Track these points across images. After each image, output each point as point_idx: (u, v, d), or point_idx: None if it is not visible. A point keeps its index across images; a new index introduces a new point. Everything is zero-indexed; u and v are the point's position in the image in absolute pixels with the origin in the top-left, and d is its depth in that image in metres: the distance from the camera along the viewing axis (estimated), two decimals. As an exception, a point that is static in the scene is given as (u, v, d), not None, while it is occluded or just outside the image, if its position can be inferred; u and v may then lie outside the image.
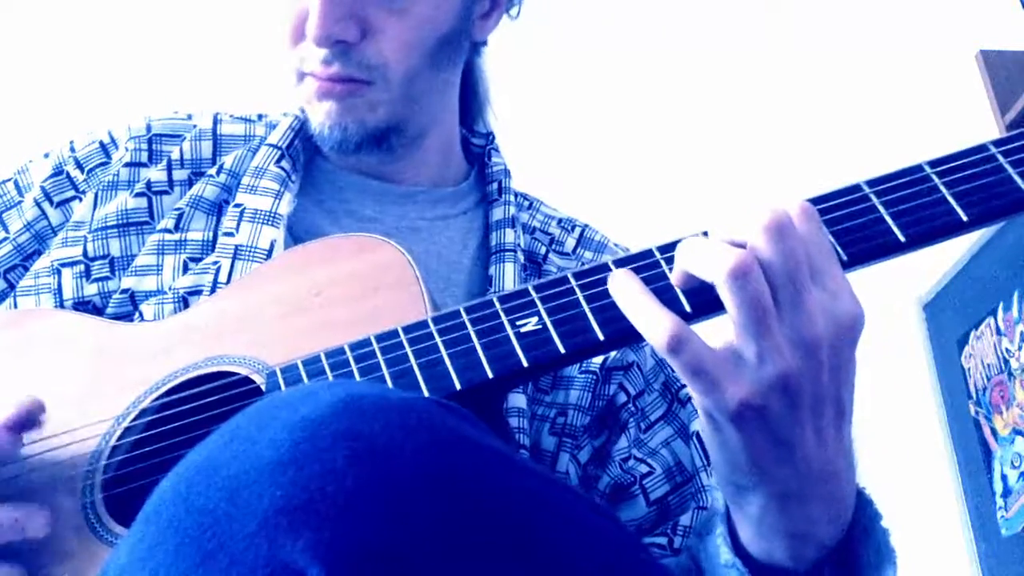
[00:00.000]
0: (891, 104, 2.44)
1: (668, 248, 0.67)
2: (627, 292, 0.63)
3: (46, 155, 0.98)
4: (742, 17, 2.56)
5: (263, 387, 0.72)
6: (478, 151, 1.06)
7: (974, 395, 2.30)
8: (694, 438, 0.93)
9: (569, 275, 0.69)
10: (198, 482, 0.47)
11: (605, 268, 0.68)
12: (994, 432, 2.23)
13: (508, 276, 0.92)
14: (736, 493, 0.65)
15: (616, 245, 1.05)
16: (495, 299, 0.69)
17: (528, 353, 0.66)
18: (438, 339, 0.68)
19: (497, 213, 0.98)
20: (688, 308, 0.64)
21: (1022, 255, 2.19)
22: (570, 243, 1.02)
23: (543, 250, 0.99)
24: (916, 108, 2.40)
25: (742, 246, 0.60)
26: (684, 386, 0.96)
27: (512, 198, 1.00)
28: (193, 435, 0.70)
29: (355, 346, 0.69)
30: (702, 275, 0.61)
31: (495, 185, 1.01)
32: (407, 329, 0.69)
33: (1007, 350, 2.21)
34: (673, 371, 0.97)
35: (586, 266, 0.70)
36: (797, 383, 0.59)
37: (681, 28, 2.61)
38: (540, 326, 0.66)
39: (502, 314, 0.68)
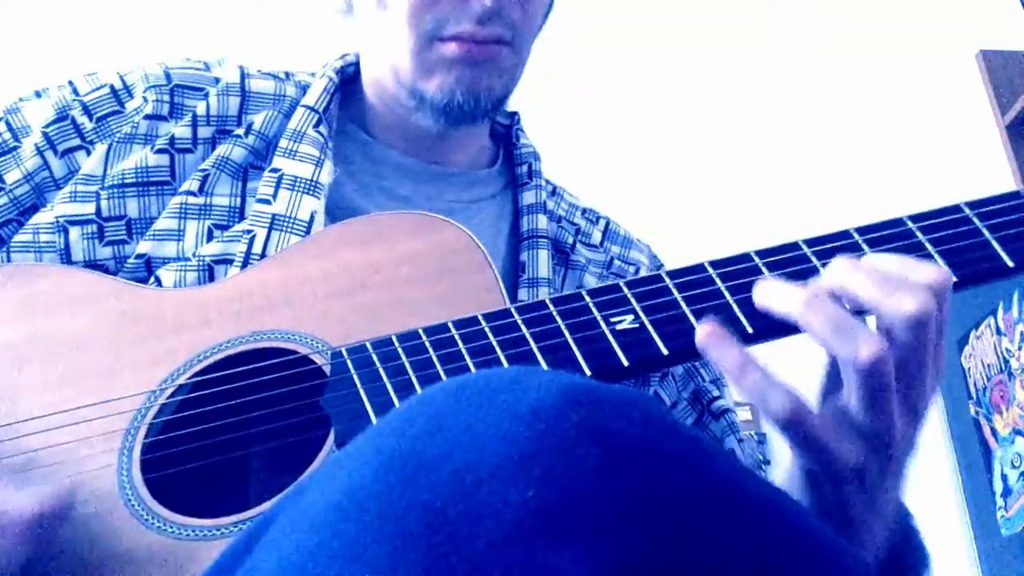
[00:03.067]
0: (891, 104, 2.44)
1: (721, 264, 0.66)
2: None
3: (38, 94, 0.88)
4: (743, 17, 2.56)
5: (326, 369, 0.66)
6: (502, 131, 1.02)
7: (974, 395, 2.31)
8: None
9: (663, 274, 0.67)
10: (414, 475, 0.41)
11: (702, 269, 0.66)
12: (994, 432, 2.23)
13: (542, 263, 0.89)
14: None
15: (639, 240, 1.03)
16: (584, 293, 0.66)
17: (628, 352, 0.63)
18: (525, 331, 0.64)
19: (528, 197, 0.94)
20: (750, 330, 0.63)
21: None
22: (596, 235, 0.98)
23: (570, 240, 0.95)
24: (916, 108, 2.40)
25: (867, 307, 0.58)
26: (716, 398, 0.94)
27: (542, 182, 0.96)
28: (245, 417, 0.66)
29: (431, 331, 0.65)
30: (829, 347, 0.58)
31: (525, 168, 0.97)
32: (488, 317, 0.66)
33: (1007, 350, 2.21)
34: (703, 381, 0.95)
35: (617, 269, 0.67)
36: (896, 444, 0.59)
37: (677, 25, 2.60)
38: (637, 325, 0.64)
39: (594, 309, 0.65)
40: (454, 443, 0.41)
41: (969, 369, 2.33)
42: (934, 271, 0.59)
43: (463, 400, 0.44)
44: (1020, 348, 2.17)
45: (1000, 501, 2.19)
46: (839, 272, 0.60)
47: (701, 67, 2.56)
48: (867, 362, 0.56)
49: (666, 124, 2.55)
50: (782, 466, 0.63)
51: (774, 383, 0.57)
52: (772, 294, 0.61)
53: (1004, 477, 2.18)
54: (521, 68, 0.90)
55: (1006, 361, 2.21)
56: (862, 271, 0.59)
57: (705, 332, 0.59)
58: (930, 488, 2.33)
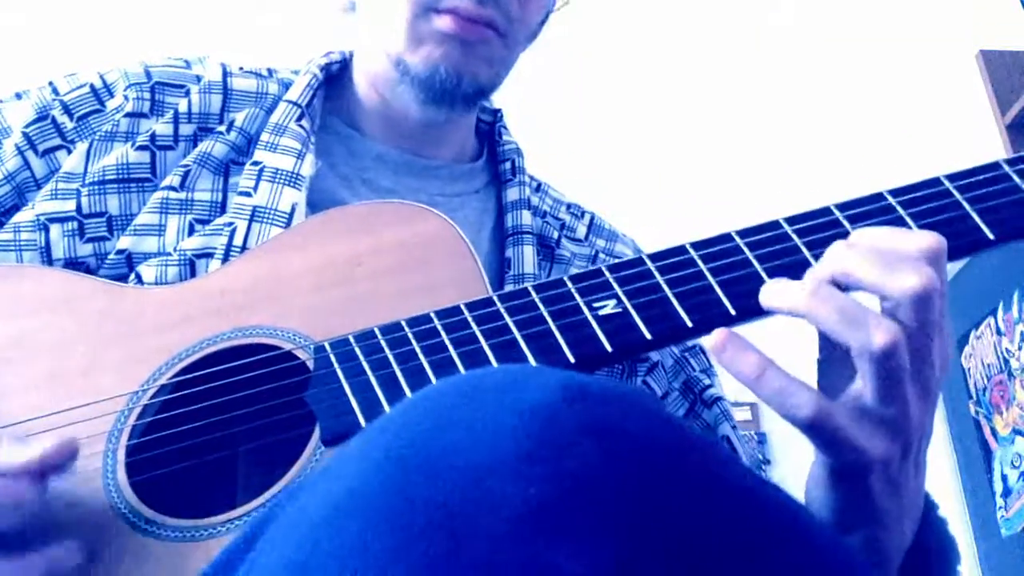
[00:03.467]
0: (891, 103, 2.44)
1: (702, 245, 0.65)
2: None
3: (18, 95, 0.88)
4: (744, 16, 2.56)
5: (310, 364, 0.65)
6: (485, 128, 1.02)
7: (974, 395, 2.30)
8: (724, 443, 0.90)
9: (644, 257, 0.66)
10: (415, 472, 0.40)
11: (684, 251, 0.65)
12: (994, 432, 2.22)
13: (527, 259, 0.88)
14: (840, 530, 0.63)
15: (624, 235, 1.03)
16: (566, 279, 0.65)
17: (612, 338, 0.62)
18: (508, 319, 0.63)
19: (512, 193, 0.94)
20: (733, 311, 0.62)
21: (1022, 255, 2.20)
22: (581, 230, 0.98)
23: (555, 235, 0.95)
24: (916, 108, 2.40)
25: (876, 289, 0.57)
26: (708, 387, 0.94)
27: (526, 179, 0.96)
28: (229, 415, 0.65)
29: (413, 322, 0.64)
30: (841, 338, 0.57)
31: (508, 164, 0.96)
32: (471, 306, 0.65)
33: (1007, 350, 2.21)
34: (693, 371, 0.95)
35: (609, 256, 0.66)
36: (913, 429, 0.58)
37: (677, 25, 2.60)
38: (620, 310, 0.63)
39: (576, 295, 0.64)
40: (454, 441, 0.41)
41: (969, 369, 2.33)
42: (926, 238, 0.59)
43: (463, 398, 0.44)
44: (1020, 348, 2.17)
45: (1000, 501, 2.19)
46: (838, 257, 0.59)
47: (695, 67, 2.56)
48: (882, 348, 0.55)
49: (656, 123, 2.56)
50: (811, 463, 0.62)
51: (795, 384, 0.56)
52: (775, 293, 0.60)
53: (1004, 477, 2.18)
54: (509, 65, 0.90)
55: (1006, 361, 2.21)
56: (859, 251, 0.59)
57: (719, 339, 0.58)
58: (930, 488, 2.33)
